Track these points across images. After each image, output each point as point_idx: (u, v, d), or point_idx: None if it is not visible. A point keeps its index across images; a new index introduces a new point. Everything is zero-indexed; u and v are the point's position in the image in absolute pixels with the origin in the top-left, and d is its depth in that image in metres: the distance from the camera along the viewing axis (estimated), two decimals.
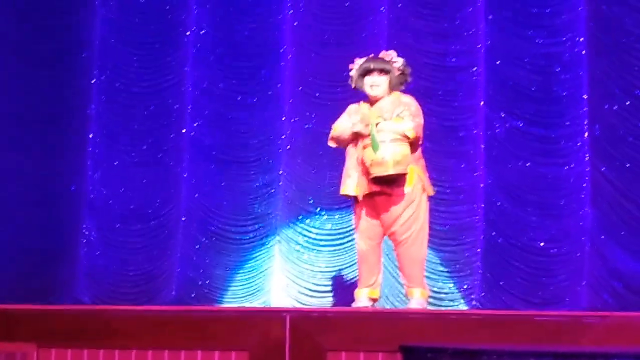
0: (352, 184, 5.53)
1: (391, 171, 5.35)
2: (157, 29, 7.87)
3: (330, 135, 5.68)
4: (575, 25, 7.30)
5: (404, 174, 5.43)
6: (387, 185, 5.44)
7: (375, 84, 5.57)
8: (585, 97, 7.22)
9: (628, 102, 7.11)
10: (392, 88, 5.60)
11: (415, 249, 5.53)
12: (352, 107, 5.69)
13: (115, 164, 7.75)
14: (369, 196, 5.51)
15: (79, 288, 7.54)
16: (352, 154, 5.58)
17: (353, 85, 5.71)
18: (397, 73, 5.61)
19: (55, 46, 7.77)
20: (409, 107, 5.51)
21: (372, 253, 5.58)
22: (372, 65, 5.59)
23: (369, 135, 5.40)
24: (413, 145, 5.47)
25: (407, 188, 5.48)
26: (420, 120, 5.54)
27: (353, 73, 5.67)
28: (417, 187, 5.54)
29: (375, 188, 5.45)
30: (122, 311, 4.37)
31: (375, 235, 5.57)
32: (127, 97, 7.82)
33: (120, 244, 7.65)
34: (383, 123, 5.41)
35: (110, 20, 7.87)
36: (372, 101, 5.61)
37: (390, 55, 5.70)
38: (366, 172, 5.44)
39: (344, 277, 7.25)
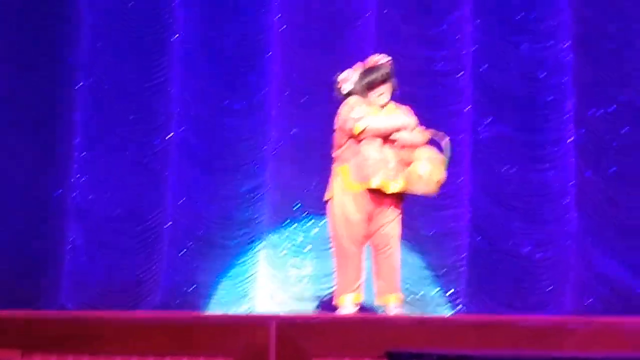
0: (383, 176, 5.38)
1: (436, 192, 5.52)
2: (143, 34, 7.84)
3: (366, 129, 5.35)
4: (560, 31, 7.34)
5: None
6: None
7: (381, 91, 5.48)
8: (570, 102, 7.25)
9: (613, 108, 7.14)
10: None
11: (398, 255, 5.51)
12: (359, 100, 5.46)
13: (101, 168, 7.73)
14: (374, 196, 5.40)
15: (63, 294, 7.50)
16: (374, 146, 5.40)
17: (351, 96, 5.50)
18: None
19: (41, 51, 7.73)
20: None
21: (358, 255, 5.47)
22: (379, 78, 5.46)
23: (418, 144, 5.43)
24: None
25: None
26: None
27: (354, 87, 5.48)
28: None
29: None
30: (106, 317, 4.35)
31: (363, 237, 5.46)
32: (113, 101, 7.79)
33: (106, 250, 7.61)
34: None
35: (96, 25, 7.85)
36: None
37: (387, 60, 5.57)
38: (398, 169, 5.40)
39: (330, 282, 7.23)
